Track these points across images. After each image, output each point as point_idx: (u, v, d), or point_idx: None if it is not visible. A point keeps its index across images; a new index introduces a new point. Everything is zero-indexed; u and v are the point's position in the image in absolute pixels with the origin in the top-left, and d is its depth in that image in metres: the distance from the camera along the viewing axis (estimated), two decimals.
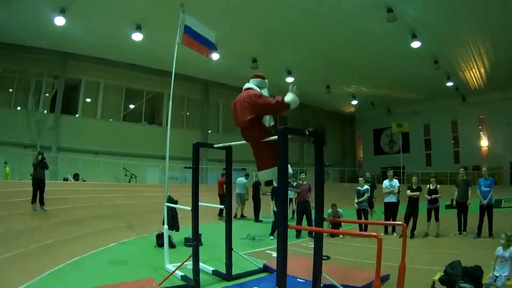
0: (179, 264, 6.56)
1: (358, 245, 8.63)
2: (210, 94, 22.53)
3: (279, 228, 3.76)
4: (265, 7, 13.12)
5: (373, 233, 3.23)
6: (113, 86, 19.27)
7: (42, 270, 5.79)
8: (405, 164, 25.22)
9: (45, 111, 17.26)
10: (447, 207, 11.51)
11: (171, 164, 19.98)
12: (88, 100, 18.81)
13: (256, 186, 13.39)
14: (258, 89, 4.15)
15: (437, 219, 9.07)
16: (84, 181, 15.93)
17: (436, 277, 4.85)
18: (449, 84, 22.26)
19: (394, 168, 12.24)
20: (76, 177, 16.26)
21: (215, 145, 5.82)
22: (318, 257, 4.38)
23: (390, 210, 9.85)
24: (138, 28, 13.90)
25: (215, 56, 14.71)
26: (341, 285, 4.93)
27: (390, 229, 10.18)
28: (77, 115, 18.19)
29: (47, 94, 17.47)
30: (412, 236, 9.36)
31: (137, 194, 14.64)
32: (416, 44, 15.63)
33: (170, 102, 9.48)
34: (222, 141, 21.02)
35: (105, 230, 9.65)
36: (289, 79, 19.83)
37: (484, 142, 27.24)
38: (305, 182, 10.09)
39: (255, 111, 3.95)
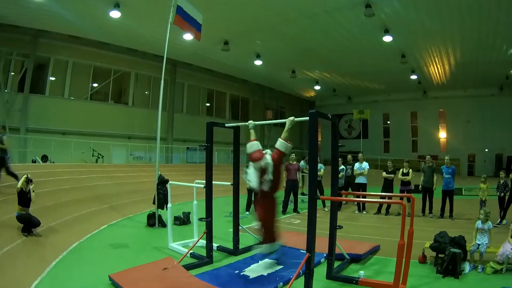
0: (187, 241, 6.84)
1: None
2: (177, 74, 22.43)
3: (310, 199, 4.21)
4: None
5: (397, 201, 3.77)
6: (82, 64, 18.58)
7: (45, 264, 5.40)
8: (363, 149, 26.12)
9: (14, 91, 16.38)
10: (412, 191, 12.56)
11: (137, 143, 19.97)
12: (56, 79, 17.98)
13: None
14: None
15: (408, 200, 9.98)
16: (52, 162, 15.36)
17: (427, 245, 5.58)
18: (413, 77, 23.40)
19: (352, 153, 13.09)
20: (44, 158, 15.64)
21: (226, 125, 6.08)
22: (333, 228, 4.85)
23: (360, 190, 10.71)
24: (117, 6, 13.45)
25: (188, 36, 14.54)
26: (347, 253, 5.54)
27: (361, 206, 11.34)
28: (45, 95, 17.38)
29: (13, 73, 16.49)
30: (387, 213, 10.44)
31: (109, 174, 14.42)
32: (387, 39, 16.30)
33: (161, 84, 9.60)
34: (186, 121, 21.02)
35: (91, 213, 9.50)
36: (258, 62, 20.33)
37: (442, 134, 29.03)
38: (294, 162, 10.85)
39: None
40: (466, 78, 23.72)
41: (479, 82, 24.38)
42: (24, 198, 6.72)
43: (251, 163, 4.74)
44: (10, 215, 6.85)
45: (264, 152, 4.77)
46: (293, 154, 11.50)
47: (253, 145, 4.74)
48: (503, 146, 25.38)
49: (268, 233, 4.90)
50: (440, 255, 5.34)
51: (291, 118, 4.77)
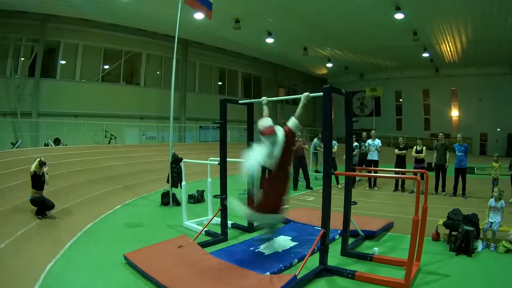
0: (201, 219, 6.94)
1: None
2: (188, 53, 22.24)
3: (325, 176, 4.25)
4: None
5: (413, 176, 3.76)
6: (92, 47, 18.51)
7: (59, 246, 5.46)
8: (376, 127, 25.54)
9: (24, 77, 16.41)
10: (426, 169, 12.50)
11: (149, 123, 20.07)
12: (67, 62, 17.96)
13: None
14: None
15: (422, 178, 9.95)
16: (65, 145, 15.53)
17: (440, 223, 5.60)
18: (425, 55, 22.92)
19: (365, 130, 12.98)
20: (57, 141, 15.78)
21: (240, 101, 6.08)
22: (348, 204, 4.89)
23: (372, 167, 10.71)
24: None
25: (199, 15, 14.36)
26: (361, 230, 5.59)
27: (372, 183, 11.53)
28: (56, 79, 17.40)
29: (23, 59, 16.49)
30: (403, 190, 10.50)
31: (122, 155, 14.53)
32: (399, 16, 15.97)
33: (173, 64, 9.53)
34: (199, 100, 20.83)
35: (105, 193, 9.62)
36: (269, 40, 20.13)
37: (454, 113, 28.60)
38: (300, 139, 10.89)
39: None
40: (478, 57, 23.22)
41: (491, 60, 23.89)
42: (37, 181, 6.77)
43: (262, 138, 4.47)
44: (23, 199, 6.91)
45: (276, 128, 4.56)
46: (299, 132, 11.57)
47: (266, 120, 4.55)
48: None
49: (271, 203, 4.48)
50: (453, 233, 5.36)
51: (306, 93, 4.70)
